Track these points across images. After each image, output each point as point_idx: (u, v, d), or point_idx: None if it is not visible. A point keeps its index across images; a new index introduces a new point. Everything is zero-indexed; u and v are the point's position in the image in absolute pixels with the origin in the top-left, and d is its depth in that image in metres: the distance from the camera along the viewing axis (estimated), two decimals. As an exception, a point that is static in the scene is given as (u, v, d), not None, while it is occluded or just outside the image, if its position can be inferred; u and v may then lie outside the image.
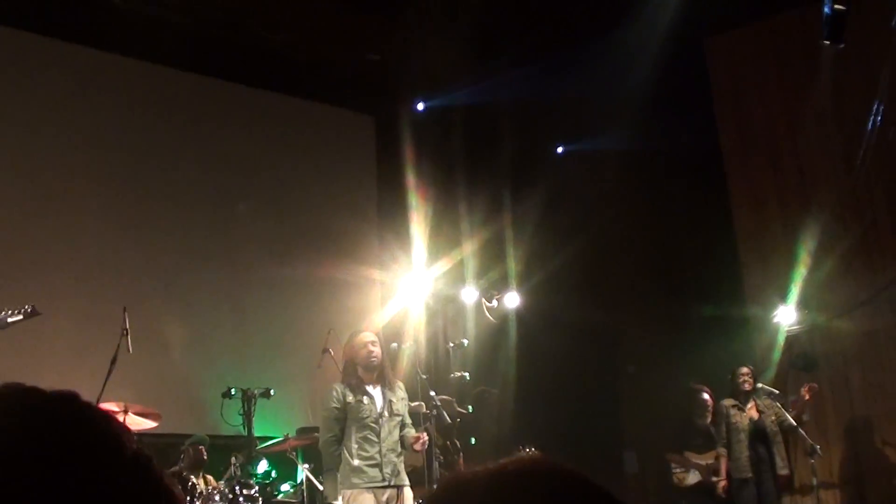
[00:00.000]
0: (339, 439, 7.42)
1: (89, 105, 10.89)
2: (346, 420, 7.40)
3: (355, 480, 7.27)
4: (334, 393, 7.47)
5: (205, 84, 11.84)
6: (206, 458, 9.06)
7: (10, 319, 5.47)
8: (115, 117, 11.02)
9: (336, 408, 7.43)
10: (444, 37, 11.05)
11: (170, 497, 1.20)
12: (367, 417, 7.35)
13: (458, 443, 9.39)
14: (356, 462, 7.28)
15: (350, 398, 7.40)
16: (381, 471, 7.27)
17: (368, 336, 7.68)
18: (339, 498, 7.56)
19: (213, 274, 11.22)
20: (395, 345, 7.72)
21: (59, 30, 10.68)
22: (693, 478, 10.26)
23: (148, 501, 1.17)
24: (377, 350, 7.51)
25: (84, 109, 10.84)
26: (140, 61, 11.26)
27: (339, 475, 7.42)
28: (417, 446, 7.35)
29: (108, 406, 7.82)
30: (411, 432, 7.50)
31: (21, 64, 10.53)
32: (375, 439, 7.32)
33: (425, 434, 7.42)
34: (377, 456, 7.29)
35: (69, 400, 1.20)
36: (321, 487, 8.74)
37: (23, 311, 5.54)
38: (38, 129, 10.43)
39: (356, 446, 7.31)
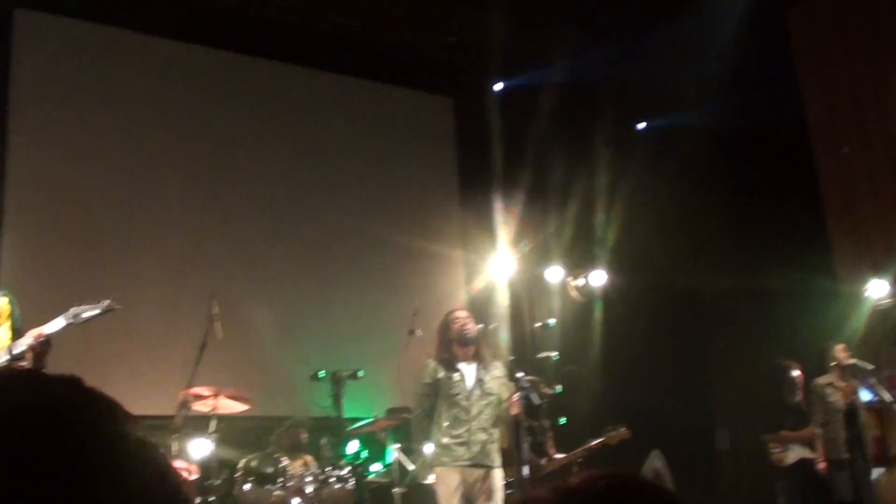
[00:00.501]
0: (430, 415, 7.45)
1: (175, 96, 11.08)
2: (437, 396, 7.42)
3: (444, 458, 7.29)
4: (427, 369, 7.50)
5: (286, 72, 11.95)
6: (303, 440, 9.10)
7: (85, 315, 5.55)
8: (200, 107, 11.20)
9: (427, 383, 7.46)
10: (522, 17, 10.99)
11: (172, 480, 1.12)
12: (458, 394, 7.35)
13: (546, 423, 9.34)
14: (445, 440, 7.30)
15: (441, 374, 7.42)
16: (468, 449, 7.27)
17: (462, 312, 7.73)
18: (431, 476, 7.59)
19: (300, 258, 11.33)
20: (494, 325, 7.72)
21: (145, 24, 10.90)
22: (793, 455, 9.91)
23: (152, 486, 1.08)
24: (471, 324, 7.53)
25: (170, 101, 11.03)
26: (223, 51, 11.42)
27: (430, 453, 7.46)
28: (514, 410, 7.32)
29: (199, 390, 7.96)
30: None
31: (111, 59, 10.78)
32: (465, 417, 7.31)
33: (515, 393, 7.37)
34: (465, 434, 7.29)
35: (71, 383, 1.13)
36: (412, 467, 8.78)
37: (100, 306, 5.62)
38: (126, 120, 10.65)
39: (446, 423, 7.32)
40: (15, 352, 5.36)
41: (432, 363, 7.53)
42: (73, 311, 5.54)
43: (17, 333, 5.61)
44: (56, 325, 5.43)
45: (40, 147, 10.12)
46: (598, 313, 12.35)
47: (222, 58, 11.46)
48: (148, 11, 10.82)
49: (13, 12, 10.19)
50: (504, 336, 9.90)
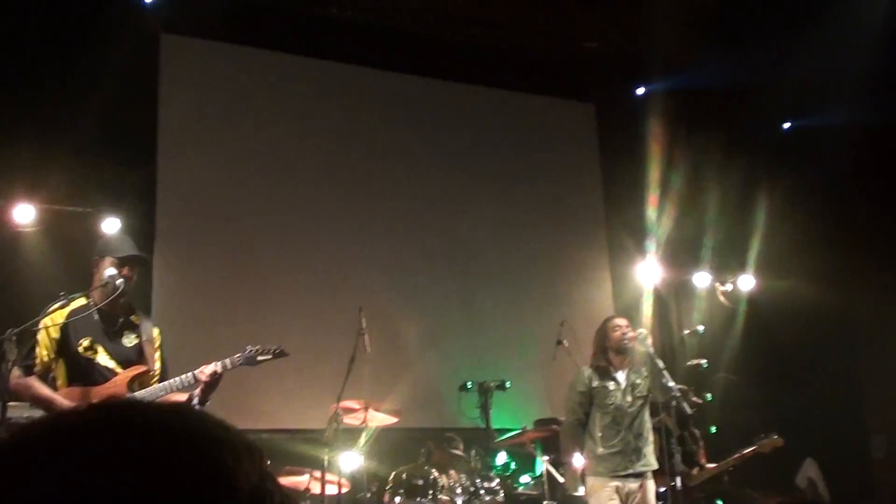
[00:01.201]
0: (584, 423, 7.40)
1: (319, 113, 11.28)
2: (591, 405, 7.36)
3: (599, 469, 7.23)
4: (580, 376, 7.45)
5: (428, 85, 12.05)
6: (455, 457, 9.03)
7: (259, 358, 5.69)
8: (344, 122, 11.36)
9: (581, 392, 7.41)
10: (663, 21, 10.85)
11: None
12: (612, 404, 7.28)
13: (696, 432, 9.18)
14: (599, 450, 7.24)
15: (596, 382, 7.36)
16: (623, 458, 7.20)
17: (622, 320, 7.65)
18: (582, 487, 7.52)
19: (445, 271, 11.38)
20: (642, 331, 7.61)
21: (289, 45, 11.23)
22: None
23: None
24: (631, 332, 7.45)
25: (313, 117, 11.23)
26: (363, 67, 11.58)
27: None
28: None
29: (349, 403, 8.07)
30: None
31: (254, 79, 11.04)
32: (620, 427, 7.24)
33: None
34: (619, 444, 7.22)
35: (177, 414, 1.03)
36: (562, 479, 8.72)
37: (272, 350, 5.76)
38: (270, 137, 10.88)
39: (600, 434, 7.26)
40: (189, 380, 5.49)
41: (587, 370, 7.48)
42: (249, 352, 5.67)
43: (164, 363, 5.76)
44: (232, 363, 5.56)
45: (189, 168, 10.39)
46: (747, 319, 12.08)
47: (363, 74, 11.62)
48: (284, 31, 11.11)
49: (160, 37, 10.51)
50: (654, 343, 9.77)
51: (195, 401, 5.45)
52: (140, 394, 5.47)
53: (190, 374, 5.48)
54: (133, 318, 5.74)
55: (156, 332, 5.80)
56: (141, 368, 5.57)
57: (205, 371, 5.44)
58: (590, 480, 7.28)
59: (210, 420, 1.03)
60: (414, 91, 11.96)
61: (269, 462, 1.07)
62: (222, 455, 0.98)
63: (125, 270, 5.55)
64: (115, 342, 5.58)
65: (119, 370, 5.50)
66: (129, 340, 5.64)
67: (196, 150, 10.44)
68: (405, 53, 11.71)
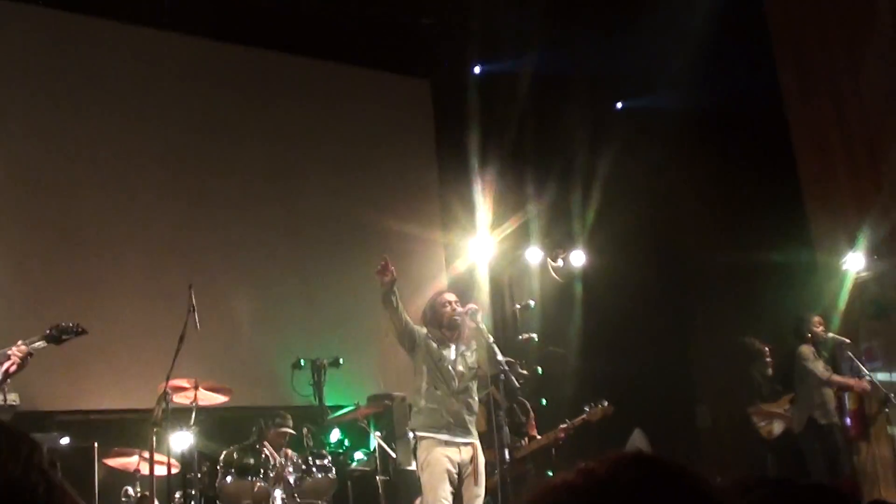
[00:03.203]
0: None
1: (152, 85, 11.01)
2: (419, 351, 7.32)
3: (423, 422, 7.17)
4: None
5: (259, 57, 11.89)
6: (286, 434, 8.95)
7: (64, 337, 5.63)
8: (175, 95, 11.13)
9: (417, 331, 7.36)
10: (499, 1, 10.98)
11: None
12: (442, 361, 7.26)
13: (527, 403, 9.35)
14: (422, 403, 7.20)
15: (431, 342, 7.33)
16: (446, 420, 7.15)
17: (451, 296, 7.66)
18: (415, 462, 7.52)
19: (278, 247, 11.30)
20: (473, 306, 7.63)
21: (117, 12, 10.83)
22: (778, 427, 10.12)
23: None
24: (461, 308, 7.48)
25: (146, 90, 10.96)
26: (192, 37, 11.36)
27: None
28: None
29: (178, 382, 7.94)
30: None
31: (84, 48, 10.70)
32: (447, 389, 7.21)
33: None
34: (443, 404, 7.17)
35: None
36: (394, 455, 8.79)
37: (72, 329, 5.71)
38: (99, 110, 10.58)
39: (425, 387, 7.23)
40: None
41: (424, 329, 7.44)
42: (49, 333, 5.60)
43: None
44: (38, 344, 5.48)
45: (15, 141, 10.02)
46: (577, 294, 12.34)
47: (193, 44, 11.39)
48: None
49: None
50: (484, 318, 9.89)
51: None
52: None
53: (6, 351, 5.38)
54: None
55: None
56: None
57: (16, 350, 5.34)
58: (422, 444, 7.20)
59: None
60: (246, 63, 11.78)
61: (49, 451, 1.07)
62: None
63: None
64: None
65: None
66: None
67: (16, 122, 10.08)
68: (239, 23, 11.50)
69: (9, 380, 5.42)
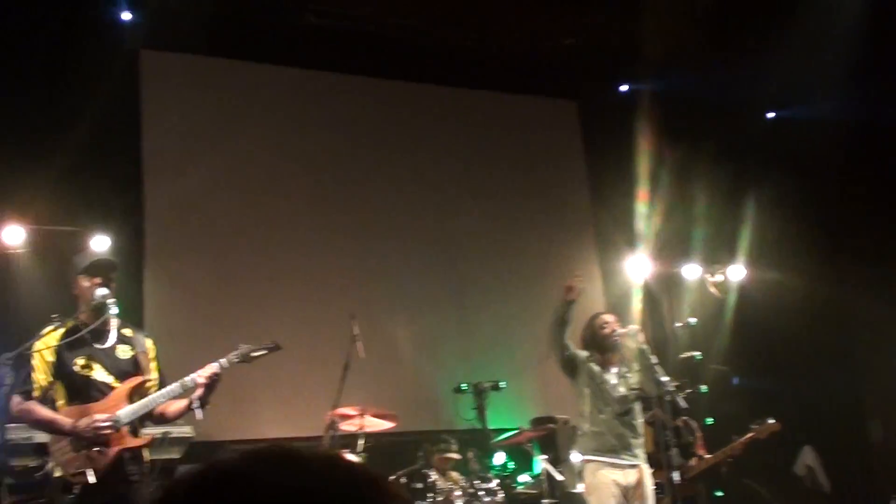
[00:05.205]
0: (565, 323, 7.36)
1: (308, 122, 11.30)
2: (578, 370, 7.31)
3: (590, 446, 7.16)
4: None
5: (412, 90, 12.07)
6: (451, 459, 8.98)
7: (253, 354, 5.72)
8: (333, 131, 11.36)
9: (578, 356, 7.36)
10: (646, 21, 10.87)
11: None
12: (604, 384, 7.22)
13: (693, 423, 9.22)
14: (586, 426, 7.18)
15: (594, 365, 7.30)
16: (611, 443, 7.10)
17: (610, 317, 7.62)
18: (581, 484, 7.48)
19: (435, 274, 11.39)
20: (633, 327, 7.56)
21: (266, 54, 11.20)
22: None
23: None
24: (620, 329, 7.42)
25: (303, 127, 11.25)
26: (348, 75, 11.60)
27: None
28: None
29: (345, 410, 8.10)
30: None
31: (243, 92, 11.05)
32: (610, 410, 7.16)
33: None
34: (607, 426, 7.13)
35: (330, 462, 1.07)
36: (560, 477, 8.75)
37: (266, 346, 5.80)
38: (254, 148, 10.85)
39: (589, 411, 7.19)
40: (189, 384, 5.52)
41: (584, 352, 7.41)
42: (241, 350, 5.71)
43: (161, 373, 5.77)
44: (228, 362, 5.60)
45: (175, 183, 10.33)
46: (738, 309, 12.09)
47: (347, 81, 11.64)
48: (264, 41, 11.09)
49: (139, 53, 10.52)
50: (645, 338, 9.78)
51: (195, 404, 5.48)
52: (141, 402, 5.49)
53: (189, 377, 5.51)
54: (124, 331, 5.75)
55: (149, 343, 5.81)
56: (138, 379, 5.58)
57: (202, 373, 5.48)
58: (588, 467, 7.19)
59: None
60: (397, 96, 11.96)
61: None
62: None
63: (97, 280, 5.57)
64: (111, 356, 5.60)
65: (116, 384, 5.52)
66: (124, 353, 5.65)
67: (181, 164, 10.41)
68: (387, 59, 11.70)
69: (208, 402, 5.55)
